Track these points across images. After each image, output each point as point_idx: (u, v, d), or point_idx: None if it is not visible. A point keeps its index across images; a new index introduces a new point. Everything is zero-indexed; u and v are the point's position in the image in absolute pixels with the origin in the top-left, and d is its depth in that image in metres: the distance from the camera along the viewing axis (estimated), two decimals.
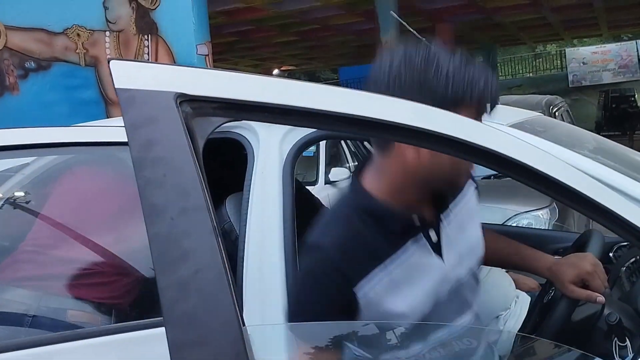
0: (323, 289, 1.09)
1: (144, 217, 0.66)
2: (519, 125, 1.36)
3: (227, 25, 13.73)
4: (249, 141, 1.53)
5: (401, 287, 1.12)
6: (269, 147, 1.51)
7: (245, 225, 1.46)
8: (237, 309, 0.65)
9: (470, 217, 1.26)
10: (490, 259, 1.50)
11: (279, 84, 0.77)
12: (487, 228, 1.58)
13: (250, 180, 1.49)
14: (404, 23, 1.95)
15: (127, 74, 0.72)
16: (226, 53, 18.10)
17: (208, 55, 5.06)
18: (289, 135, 1.51)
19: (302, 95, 0.75)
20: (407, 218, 1.13)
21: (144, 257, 1.41)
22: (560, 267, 1.40)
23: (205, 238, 0.68)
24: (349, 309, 1.08)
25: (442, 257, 1.17)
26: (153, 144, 0.70)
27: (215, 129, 0.80)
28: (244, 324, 0.66)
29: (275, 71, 24.78)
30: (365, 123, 0.74)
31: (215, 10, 11.31)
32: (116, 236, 1.42)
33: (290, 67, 25.30)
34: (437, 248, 1.17)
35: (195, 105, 0.74)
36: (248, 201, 1.48)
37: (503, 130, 1.28)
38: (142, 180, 0.68)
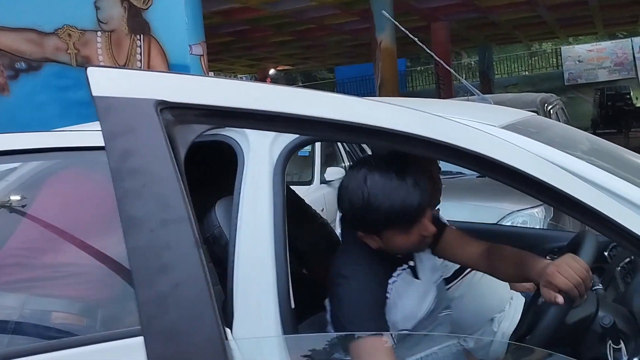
0: (365, 292, 1.47)
1: (123, 229, 0.63)
2: (512, 127, 1.34)
3: (222, 26, 13.71)
4: (238, 144, 1.50)
5: (397, 302, 1.52)
6: (259, 150, 1.48)
7: (236, 230, 1.44)
8: (220, 323, 0.63)
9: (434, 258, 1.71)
10: (504, 278, 1.81)
11: (262, 89, 0.75)
12: (496, 246, 1.69)
13: (241, 184, 1.46)
14: (396, 23, 1.94)
15: (105, 81, 0.69)
16: (222, 53, 18.06)
17: (203, 55, 5.03)
18: (280, 138, 1.49)
19: (286, 101, 0.73)
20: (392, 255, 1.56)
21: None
22: (540, 272, 1.42)
23: (187, 251, 0.65)
24: (384, 307, 1.49)
25: (419, 278, 1.60)
26: (132, 154, 0.67)
27: (197, 136, 0.78)
28: (226, 338, 0.64)
29: (272, 71, 24.73)
30: (350, 128, 0.72)
31: (210, 11, 11.28)
32: (102, 239, 1.40)
33: (286, 67, 25.27)
34: (414, 272, 1.60)
35: (176, 113, 0.71)
36: (238, 205, 1.45)
37: (494, 133, 1.27)
38: (121, 190, 0.66)
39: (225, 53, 18.23)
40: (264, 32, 15.28)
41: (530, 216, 3.80)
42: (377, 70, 11.11)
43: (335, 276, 1.54)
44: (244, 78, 30.11)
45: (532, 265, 1.50)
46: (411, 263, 1.60)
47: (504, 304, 2.10)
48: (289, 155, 1.49)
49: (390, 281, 1.54)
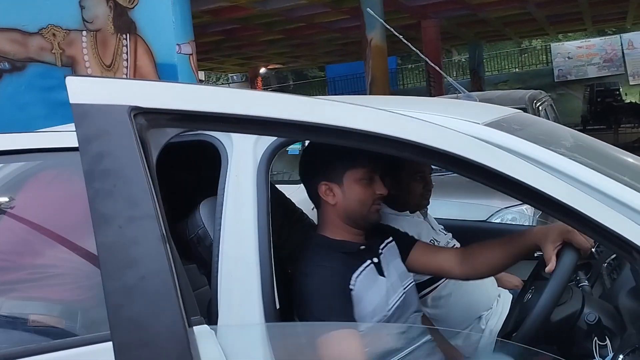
0: (327, 287, 1.53)
1: (93, 225, 0.64)
2: (495, 124, 1.34)
3: (212, 24, 13.66)
4: (222, 143, 1.49)
5: (363, 296, 1.57)
6: (243, 150, 1.47)
7: (220, 229, 1.43)
8: (183, 312, 0.65)
9: (396, 253, 1.77)
10: (490, 271, 1.78)
11: (230, 94, 0.80)
12: (469, 246, 1.73)
13: (224, 183, 1.45)
14: (381, 20, 1.93)
15: (82, 89, 0.75)
16: (212, 52, 18.00)
17: (192, 54, 5.00)
18: (263, 137, 1.48)
19: (253, 104, 0.76)
20: (354, 244, 1.66)
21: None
22: (543, 235, 1.49)
23: (153, 246, 0.69)
24: (349, 299, 1.55)
25: (384, 275, 1.66)
26: (104, 156, 0.72)
27: (170, 139, 0.83)
28: (190, 326, 0.69)
29: (262, 70, 24.67)
30: (319, 129, 0.73)
31: (199, 10, 11.23)
32: (82, 240, 1.39)
33: (276, 66, 25.22)
34: (380, 269, 1.66)
35: (149, 118, 0.76)
36: (222, 205, 1.44)
37: (477, 131, 1.27)
38: (92, 190, 0.71)
39: (215, 52, 18.16)
40: (253, 31, 15.24)
41: (520, 213, 3.81)
42: (367, 68, 11.09)
43: (298, 274, 1.60)
44: (234, 77, 30.04)
45: (525, 235, 1.57)
46: (375, 260, 1.67)
47: (491, 302, 2.10)
48: (273, 154, 1.48)
49: (354, 275, 1.59)
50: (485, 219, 3.70)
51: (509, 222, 3.77)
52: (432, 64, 1.97)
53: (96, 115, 0.75)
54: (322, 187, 1.64)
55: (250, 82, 24.81)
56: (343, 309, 1.52)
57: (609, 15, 17.62)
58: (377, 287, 1.62)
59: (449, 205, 3.35)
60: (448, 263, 1.74)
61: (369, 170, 1.63)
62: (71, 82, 0.78)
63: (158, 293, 0.69)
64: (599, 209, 0.93)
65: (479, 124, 1.31)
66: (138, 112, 0.75)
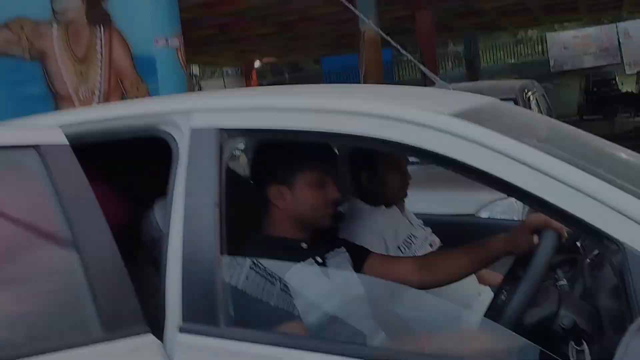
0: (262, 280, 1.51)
1: (186, 190, 1.35)
2: (463, 115, 1.25)
3: (205, 18, 13.51)
4: (172, 136, 1.40)
5: (302, 290, 1.52)
6: (197, 143, 1.39)
7: (169, 229, 1.34)
8: (219, 241, 1.30)
9: (347, 263, 1.71)
10: (451, 279, 1.74)
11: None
12: (431, 253, 1.76)
13: (175, 180, 1.36)
14: (356, 11, 1.85)
15: (199, 119, 1.38)
16: (206, 46, 17.86)
17: (179, 48, 4.89)
18: (223, 131, 1.39)
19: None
20: (295, 241, 1.63)
21: (47, 264, 1.31)
22: (513, 238, 1.51)
23: (210, 205, 1.31)
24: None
25: (328, 277, 1.60)
26: (201, 155, 1.36)
27: (238, 144, 1.53)
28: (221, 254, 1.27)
29: (257, 63, 24.53)
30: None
31: (191, 4, 11.09)
32: (17, 245, 1.30)
33: (271, 59, 25.08)
34: (324, 270, 1.60)
35: (227, 133, 1.38)
36: (172, 204, 1.35)
37: (443, 121, 1.19)
38: (190, 170, 1.36)
39: (209, 46, 18.03)
40: (247, 24, 15.10)
41: (509, 205, 3.71)
42: (361, 61, 10.97)
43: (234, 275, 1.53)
44: (229, 71, 29.88)
45: (493, 244, 1.57)
46: (319, 260, 1.62)
47: (471, 300, 2.02)
48: (230, 147, 1.40)
49: (290, 270, 1.55)
50: (473, 212, 3.63)
51: (498, 214, 3.69)
52: (409, 55, 1.88)
53: (202, 133, 1.39)
54: (272, 189, 1.61)
55: (245, 75, 24.66)
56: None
57: (605, 4, 17.48)
58: (316, 284, 1.57)
59: (435, 200, 3.26)
60: (406, 272, 1.68)
61: (321, 174, 1.60)
62: (198, 114, 1.43)
63: (206, 227, 1.31)
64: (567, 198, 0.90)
65: (444, 114, 1.22)
66: (221, 130, 1.38)
